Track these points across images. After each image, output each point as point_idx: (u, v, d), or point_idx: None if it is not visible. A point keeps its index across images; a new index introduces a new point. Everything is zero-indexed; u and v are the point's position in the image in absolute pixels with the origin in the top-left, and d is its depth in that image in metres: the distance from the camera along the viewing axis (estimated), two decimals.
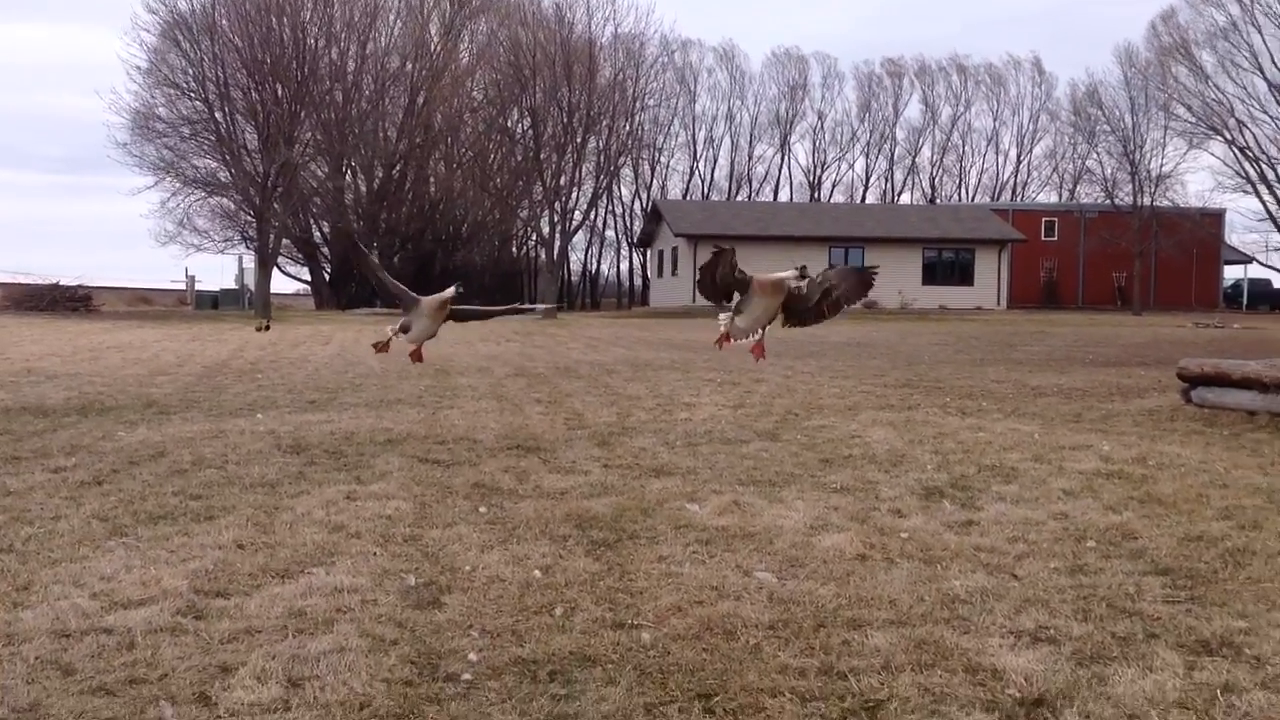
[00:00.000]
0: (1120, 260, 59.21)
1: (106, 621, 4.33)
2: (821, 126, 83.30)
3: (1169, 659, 3.94)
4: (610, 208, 77.04)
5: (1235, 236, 66.13)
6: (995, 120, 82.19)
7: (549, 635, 4.20)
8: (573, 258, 73.60)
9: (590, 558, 5.40)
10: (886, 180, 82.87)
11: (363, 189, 59.84)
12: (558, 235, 56.98)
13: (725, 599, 4.69)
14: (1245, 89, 64.30)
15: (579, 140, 57.36)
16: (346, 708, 3.46)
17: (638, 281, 76.90)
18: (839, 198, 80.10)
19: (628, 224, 78.69)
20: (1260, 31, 61.32)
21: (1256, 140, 65.11)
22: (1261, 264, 66.43)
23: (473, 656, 3.93)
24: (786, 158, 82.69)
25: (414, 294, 7.98)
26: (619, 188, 74.74)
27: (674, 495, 6.93)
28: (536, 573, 5.09)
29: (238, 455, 8.26)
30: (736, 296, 7.32)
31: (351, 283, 54.06)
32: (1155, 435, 9.57)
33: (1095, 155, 68.25)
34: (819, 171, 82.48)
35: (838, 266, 7.66)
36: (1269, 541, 5.66)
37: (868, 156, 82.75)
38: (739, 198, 77.89)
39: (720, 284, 7.20)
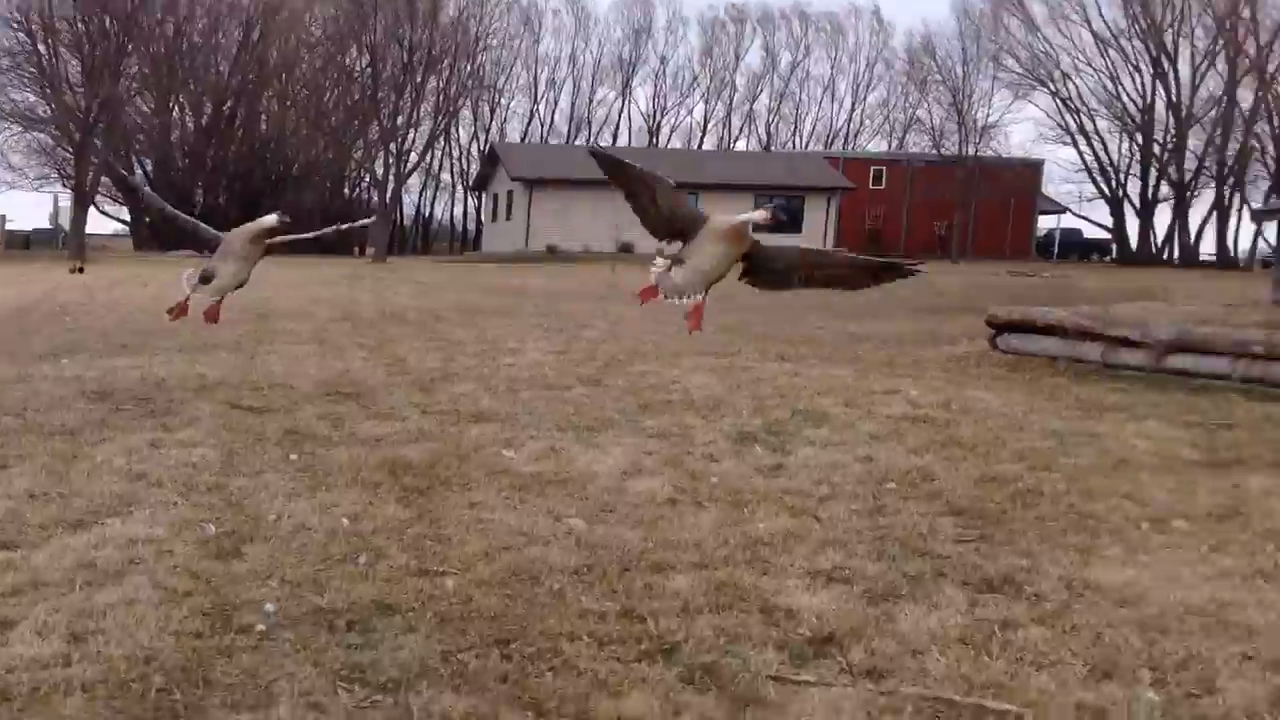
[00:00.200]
0: (943, 209, 60.90)
1: None
2: (664, 71, 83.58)
3: (954, 596, 4.11)
4: (447, 150, 76.03)
5: (1052, 187, 68.74)
6: (833, 68, 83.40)
7: (351, 584, 4.16)
8: (406, 201, 72.52)
9: (401, 505, 5.37)
10: (724, 126, 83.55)
11: (190, 126, 57.77)
12: (392, 177, 55.99)
13: (534, 545, 4.71)
14: (1072, 41, 66.64)
15: (419, 80, 56.33)
16: (131, 661, 3.38)
17: (471, 226, 76.18)
18: (677, 143, 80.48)
19: (464, 167, 77.80)
20: None
21: (1079, 92, 67.62)
22: (1075, 214, 69.23)
23: (269, 607, 3.87)
24: (628, 102, 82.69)
25: (214, 230, 7.38)
26: (457, 130, 73.77)
27: (491, 441, 6.91)
28: (344, 521, 5.03)
29: (39, 402, 7.94)
30: (672, 245, 5.99)
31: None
32: (962, 380, 9.92)
33: (926, 105, 70.10)
34: (659, 116, 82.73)
35: (862, 257, 6.36)
36: (1057, 483, 5.93)
37: (707, 102, 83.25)
38: (578, 142, 77.58)
39: (667, 216, 5.78)
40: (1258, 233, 58.66)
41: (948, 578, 4.34)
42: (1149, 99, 66.80)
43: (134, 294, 20.44)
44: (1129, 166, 69.12)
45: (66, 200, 53.78)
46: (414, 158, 60.98)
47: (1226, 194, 65.55)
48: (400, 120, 55.85)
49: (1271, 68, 62.96)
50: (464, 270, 37.62)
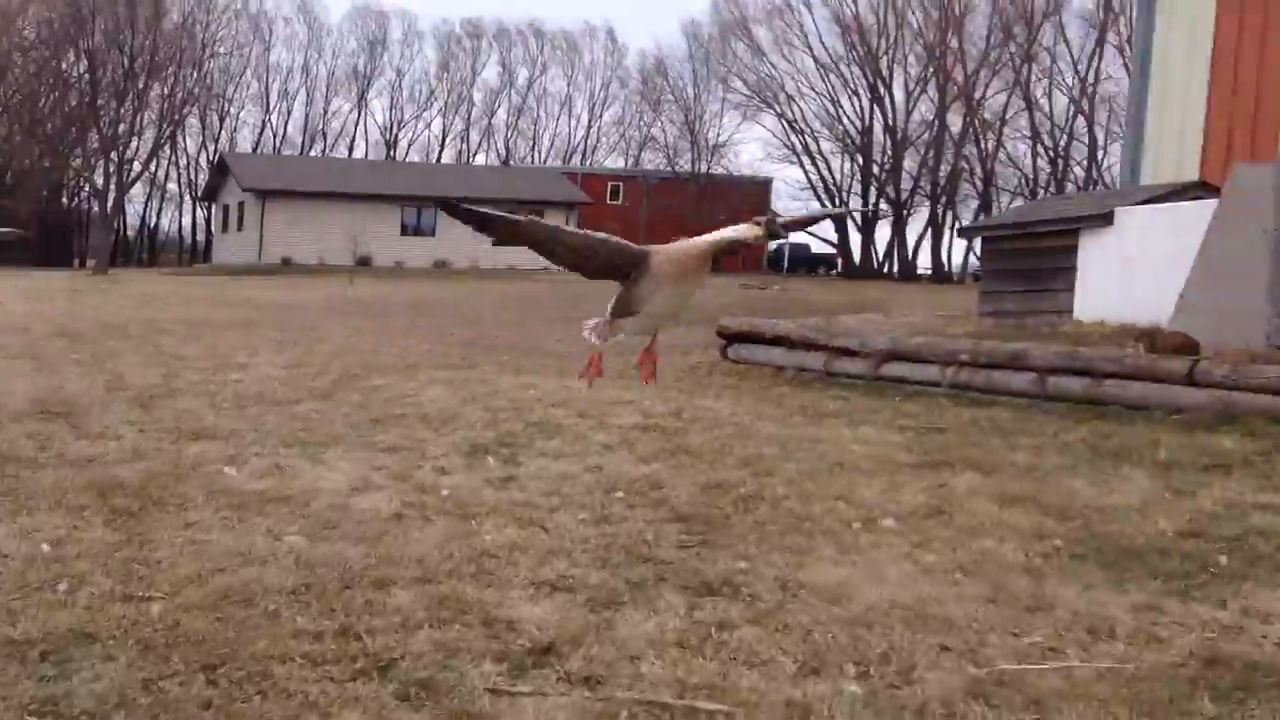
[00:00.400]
0: (678, 224, 62.20)
1: None
2: (400, 84, 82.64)
3: (673, 601, 4.18)
4: (174, 159, 73.11)
5: (780, 204, 71.28)
6: (570, 85, 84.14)
7: (48, 613, 3.92)
8: (130, 211, 69.33)
9: (109, 528, 5.10)
10: (463, 140, 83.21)
11: None
12: (113, 187, 53.36)
13: (250, 565, 4.55)
14: (795, 66, 69.47)
15: (141, 87, 53.90)
16: None
17: (201, 237, 73.41)
18: (415, 157, 79.66)
19: (192, 177, 75.01)
20: (811, 11, 66.29)
21: (803, 114, 70.54)
22: (804, 231, 71.98)
23: None
24: (363, 114, 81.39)
25: None
26: (184, 138, 71.02)
27: (212, 459, 6.65)
28: (45, 546, 4.74)
29: None
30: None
31: None
32: (693, 390, 10.14)
33: (660, 124, 71.74)
34: (396, 129, 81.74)
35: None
36: (778, 488, 6.12)
37: (445, 116, 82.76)
38: (313, 153, 75.82)
39: (606, 263, 4.44)
40: (968, 248, 62.37)
41: (669, 583, 4.41)
42: (867, 122, 70.36)
43: None
44: (850, 185, 72.58)
45: None
46: (137, 167, 58.43)
47: (940, 212, 69.63)
48: (122, 128, 53.39)
49: (977, 94, 67.26)
50: (192, 282, 36.17)
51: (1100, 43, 64.49)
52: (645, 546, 4.91)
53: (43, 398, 8.93)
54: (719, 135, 70.31)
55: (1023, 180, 70.06)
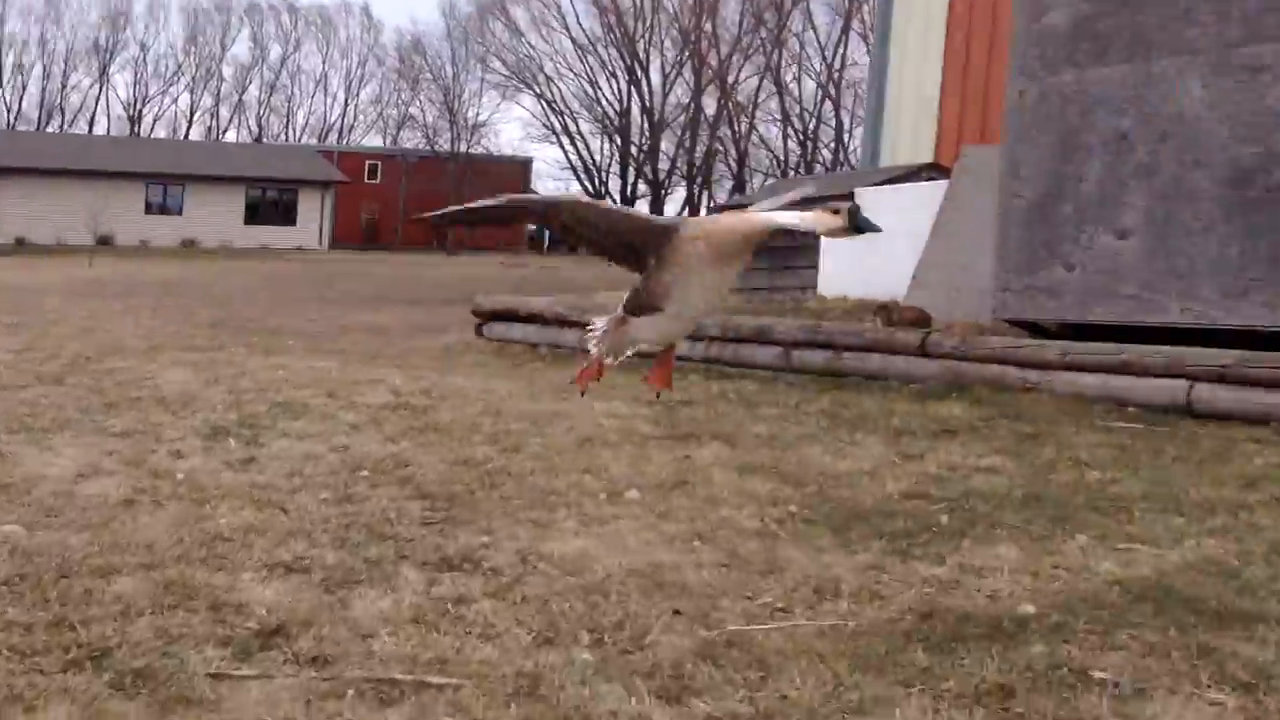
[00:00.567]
0: (437, 203, 61.30)
1: None
2: (144, 58, 79.05)
3: (412, 577, 4.13)
4: None
5: (541, 184, 71.51)
6: (325, 63, 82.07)
7: None
8: None
9: None
10: (212, 117, 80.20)
11: None
12: None
13: None
14: (554, 47, 69.62)
15: None
16: None
17: None
18: (161, 133, 76.33)
19: None
20: None
21: (562, 95, 70.79)
22: None
23: None
24: (105, 89, 77.48)
25: None
26: None
27: None
28: None
29: None
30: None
31: None
32: (446, 368, 10.06)
33: (418, 102, 70.78)
34: (140, 105, 78.14)
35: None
36: (525, 463, 6.13)
37: (193, 92, 79.57)
38: (49, 129, 71.80)
39: (625, 237, 3.55)
40: None
41: (409, 560, 4.36)
42: (625, 103, 71.19)
43: None
44: (610, 165, 73.37)
45: None
46: None
47: (696, 192, 71.10)
48: None
49: (731, 78, 68.93)
50: None
51: (845, 29, 67.04)
52: (387, 525, 4.84)
53: None
54: (478, 115, 69.93)
55: (774, 161, 72.21)
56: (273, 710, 3.01)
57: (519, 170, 66.57)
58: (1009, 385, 8.50)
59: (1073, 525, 4.86)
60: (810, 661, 3.31)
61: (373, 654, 3.39)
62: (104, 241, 45.16)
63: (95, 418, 7.32)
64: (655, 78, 70.64)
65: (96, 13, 77.02)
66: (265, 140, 77.21)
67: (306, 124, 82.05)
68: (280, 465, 6.02)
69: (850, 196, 15.24)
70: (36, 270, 30.36)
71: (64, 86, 75.75)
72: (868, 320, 10.98)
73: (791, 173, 67.65)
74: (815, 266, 15.43)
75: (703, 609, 3.83)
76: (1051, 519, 4.97)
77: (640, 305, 3.51)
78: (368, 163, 65.05)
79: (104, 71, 76.53)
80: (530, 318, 12.50)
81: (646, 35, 70.49)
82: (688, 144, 70.68)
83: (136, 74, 79.04)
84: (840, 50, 67.95)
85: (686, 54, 70.00)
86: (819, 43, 69.62)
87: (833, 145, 69.73)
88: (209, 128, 79.18)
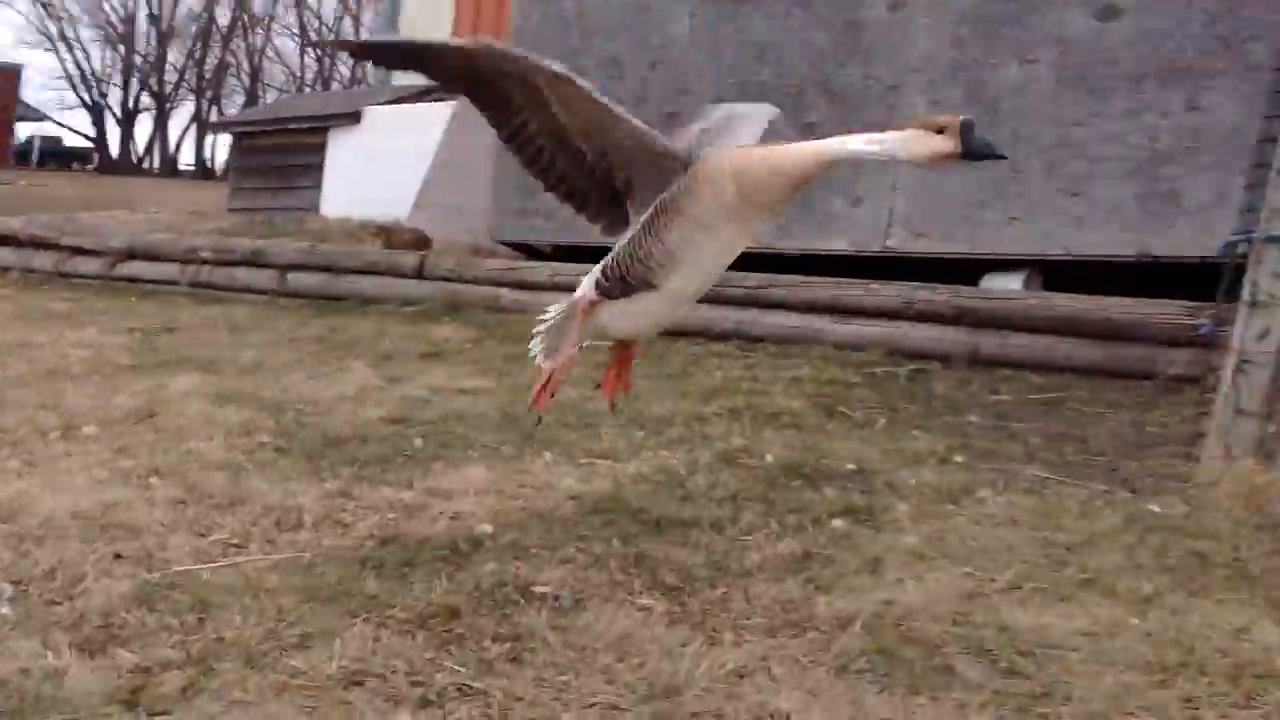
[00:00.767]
0: None
1: None
2: None
3: None
4: None
5: (31, 93, 65.46)
6: None
7: None
8: None
9: None
10: None
11: None
12: None
13: None
14: None
15: None
16: None
17: None
18: None
19: None
20: None
21: None
22: (56, 123, 66.74)
23: None
24: None
25: None
26: None
27: None
28: None
29: None
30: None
31: None
32: None
33: None
34: None
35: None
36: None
37: None
38: None
39: (592, 150, 2.95)
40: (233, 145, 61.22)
41: None
42: (131, 10, 66.22)
43: None
44: (110, 76, 68.18)
45: None
46: None
47: (205, 106, 67.50)
48: None
49: None
50: None
51: None
52: None
53: None
54: None
55: (290, 77, 69.74)
56: None
57: (6, 79, 60.29)
58: (503, 307, 8.66)
59: (542, 443, 4.98)
60: (256, 598, 3.18)
61: None
62: None
63: None
64: None
65: None
66: None
67: None
68: None
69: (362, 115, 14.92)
70: None
71: None
72: (367, 242, 10.85)
73: (308, 89, 65.63)
74: (319, 186, 15.06)
75: (149, 550, 3.59)
76: (524, 438, 5.08)
77: (625, 279, 2.67)
78: None
79: None
80: (2, 239, 11.45)
81: None
82: (198, 55, 66.78)
83: None
84: None
85: None
86: None
87: (350, 63, 68.21)
88: None
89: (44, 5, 65.03)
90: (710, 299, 8.20)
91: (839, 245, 8.51)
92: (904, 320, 7.38)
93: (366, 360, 6.89)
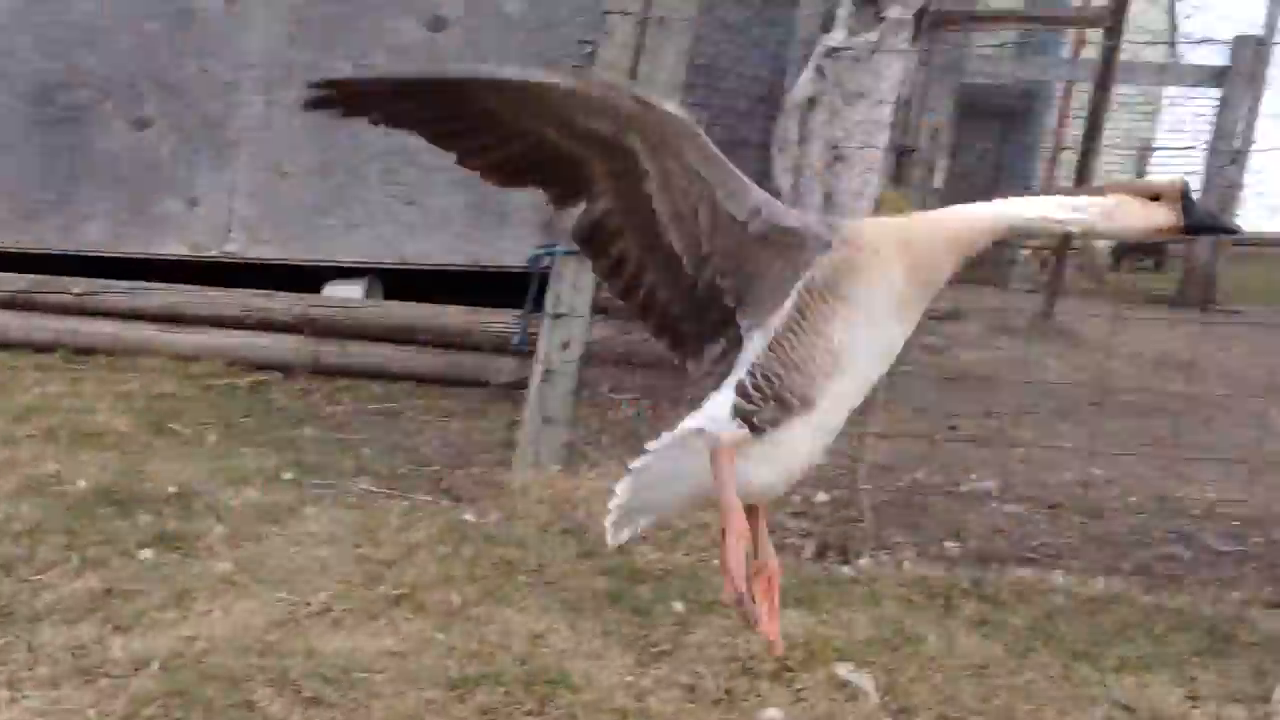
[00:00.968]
0: None
1: None
2: None
3: None
4: None
5: None
6: None
7: None
8: None
9: None
10: None
11: None
12: None
13: None
14: None
15: None
16: None
17: None
18: None
19: None
20: None
21: None
22: None
23: None
24: None
25: None
26: None
27: None
28: None
29: None
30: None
31: None
32: None
33: None
34: None
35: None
36: None
37: None
38: None
39: (686, 229, 2.06)
40: None
41: None
42: None
43: None
44: None
45: None
46: None
47: None
48: None
49: None
50: None
51: None
52: None
53: None
54: None
55: None
56: None
57: None
58: None
59: None
60: None
61: None
62: None
63: None
64: None
65: None
66: None
67: None
68: None
69: None
70: None
71: None
72: None
73: None
74: None
75: None
76: None
77: (780, 397, 2.02)
78: None
79: None
80: None
81: None
82: None
83: None
84: None
85: None
86: None
87: None
88: None
89: None
90: (30, 306, 7.55)
91: (175, 249, 8.07)
92: (244, 329, 7.17)
93: None
